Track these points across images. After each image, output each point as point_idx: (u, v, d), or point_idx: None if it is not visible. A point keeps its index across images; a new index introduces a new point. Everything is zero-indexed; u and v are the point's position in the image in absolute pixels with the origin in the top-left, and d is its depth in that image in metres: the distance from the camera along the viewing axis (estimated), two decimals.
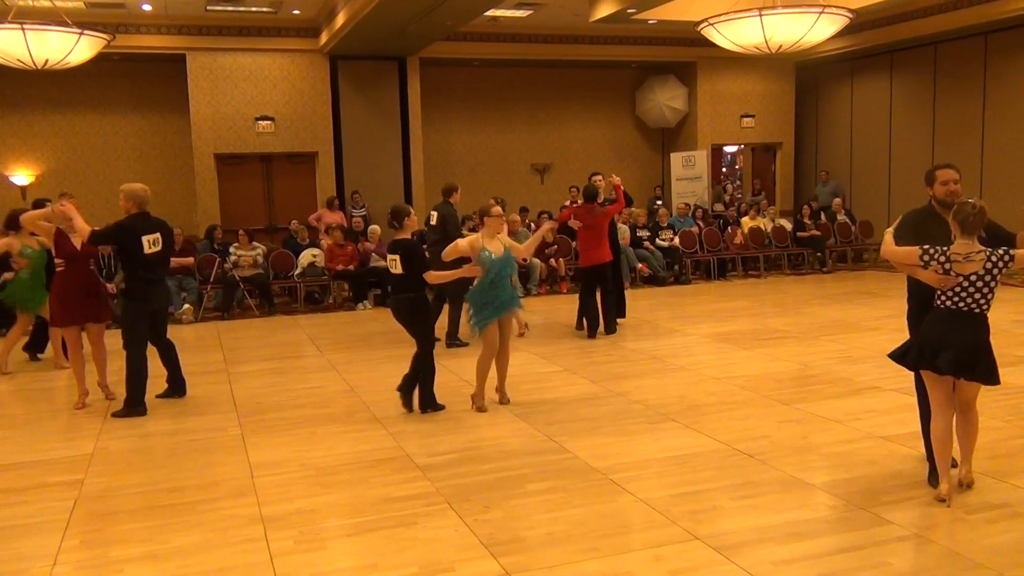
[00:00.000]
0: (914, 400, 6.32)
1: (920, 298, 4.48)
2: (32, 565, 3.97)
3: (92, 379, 7.10)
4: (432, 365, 6.40)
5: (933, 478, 4.49)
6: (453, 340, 8.97)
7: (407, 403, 6.42)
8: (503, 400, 6.59)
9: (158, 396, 6.98)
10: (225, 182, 14.96)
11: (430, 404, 6.43)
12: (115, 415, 6.60)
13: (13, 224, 8.06)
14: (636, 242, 13.79)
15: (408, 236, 6.28)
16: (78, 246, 6.77)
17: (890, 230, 4.50)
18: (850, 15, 10.26)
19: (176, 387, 7.13)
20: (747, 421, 5.96)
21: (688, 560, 3.82)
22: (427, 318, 6.45)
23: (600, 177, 9.64)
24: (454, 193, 9.28)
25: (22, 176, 14.81)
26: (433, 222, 9.26)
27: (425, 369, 6.37)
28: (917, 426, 5.65)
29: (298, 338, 9.95)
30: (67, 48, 9.98)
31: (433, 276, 6.28)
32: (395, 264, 6.17)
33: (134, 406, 6.61)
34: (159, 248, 6.68)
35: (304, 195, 15.41)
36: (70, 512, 4.62)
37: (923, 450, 4.77)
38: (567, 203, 12.88)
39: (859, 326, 9.48)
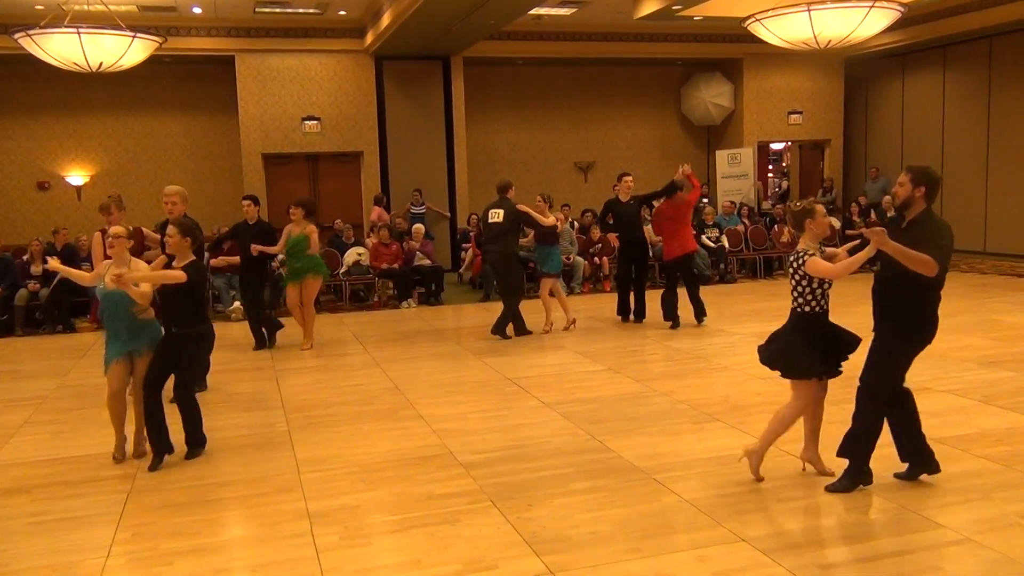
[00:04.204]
0: (966, 401, 6.22)
1: None
2: (86, 557, 4.08)
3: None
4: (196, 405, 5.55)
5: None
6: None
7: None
8: (138, 454, 5.52)
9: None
10: (272, 182, 15.19)
11: (197, 442, 5.53)
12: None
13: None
14: None
15: None
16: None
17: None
18: (901, 9, 10.06)
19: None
20: None
21: (733, 562, 3.78)
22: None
23: (687, 168, 9.64)
24: (510, 189, 9.37)
25: (77, 176, 15.23)
26: (498, 219, 9.26)
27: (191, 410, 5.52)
28: (968, 428, 5.56)
29: (343, 336, 10.05)
30: (120, 51, 10.22)
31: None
32: None
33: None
34: None
35: (350, 194, 15.59)
36: (123, 505, 4.72)
37: (975, 453, 4.65)
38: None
39: None
